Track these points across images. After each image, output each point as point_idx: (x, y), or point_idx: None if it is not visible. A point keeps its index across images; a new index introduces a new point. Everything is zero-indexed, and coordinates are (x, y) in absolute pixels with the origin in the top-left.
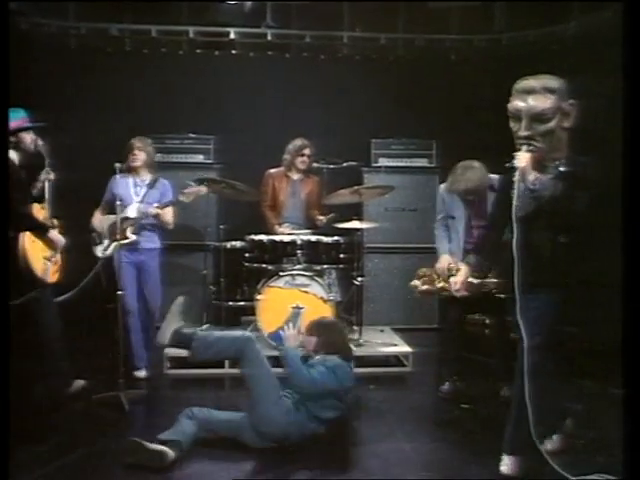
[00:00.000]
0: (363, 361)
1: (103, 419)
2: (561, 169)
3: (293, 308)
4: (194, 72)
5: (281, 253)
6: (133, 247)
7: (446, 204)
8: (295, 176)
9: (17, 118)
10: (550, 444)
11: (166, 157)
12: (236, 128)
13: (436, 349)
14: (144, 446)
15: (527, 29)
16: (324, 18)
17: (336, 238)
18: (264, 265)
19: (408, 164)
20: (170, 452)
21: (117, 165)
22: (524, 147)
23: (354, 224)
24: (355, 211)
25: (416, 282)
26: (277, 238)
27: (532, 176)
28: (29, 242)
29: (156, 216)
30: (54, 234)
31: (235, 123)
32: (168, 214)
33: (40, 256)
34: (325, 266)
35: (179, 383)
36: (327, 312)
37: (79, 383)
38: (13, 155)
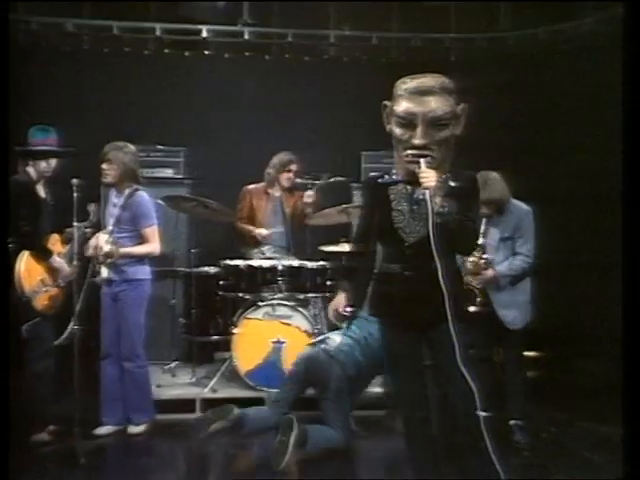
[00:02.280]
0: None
1: (52, 472)
2: (451, 184)
3: (274, 343)
4: (161, 75)
5: (260, 280)
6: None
7: None
8: (277, 193)
9: (45, 137)
10: None
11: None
12: (210, 139)
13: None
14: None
15: (534, 27)
16: (309, 15)
17: (322, 263)
18: (241, 294)
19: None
20: None
21: (74, 181)
22: (423, 160)
23: (342, 247)
24: (343, 232)
25: None
26: (255, 263)
27: (439, 197)
28: (28, 261)
29: (127, 255)
30: (58, 261)
31: (208, 133)
32: (145, 246)
33: (36, 277)
34: (310, 295)
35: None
36: None
37: (48, 430)
38: (31, 170)
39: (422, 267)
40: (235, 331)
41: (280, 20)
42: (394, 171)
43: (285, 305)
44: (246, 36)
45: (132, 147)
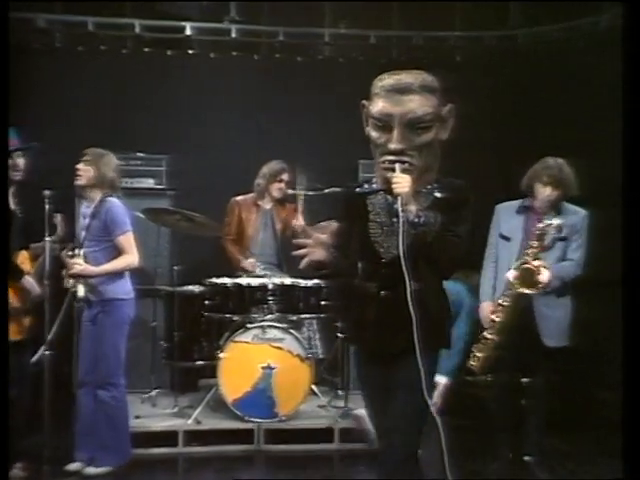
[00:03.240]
0: (350, 436)
1: None
2: (437, 195)
3: (263, 368)
4: (141, 76)
5: (249, 300)
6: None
7: (501, 224)
8: (267, 205)
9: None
10: None
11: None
12: (194, 146)
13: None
14: None
15: (547, 24)
16: (301, 12)
17: (316, 281)
18: (228, 315)
19: None
20: None
21: (46, 193)
22: (398, 165)
23: None
24: None
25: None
26: (244, 282)
27: (414, 206)
28: None
29: (102, 274)
30: (29, 282)
31: (193, 140)
32: (122, 258)
33: None
34: (303, 316)
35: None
36: (305, 373)
37: (17, 466)
38: None
39: (400, 288)
40: (221, 356)
41: (270, 17)
42: (374, 179)
43: (276, 327)
44: (233, 34)
45: (114, 157)
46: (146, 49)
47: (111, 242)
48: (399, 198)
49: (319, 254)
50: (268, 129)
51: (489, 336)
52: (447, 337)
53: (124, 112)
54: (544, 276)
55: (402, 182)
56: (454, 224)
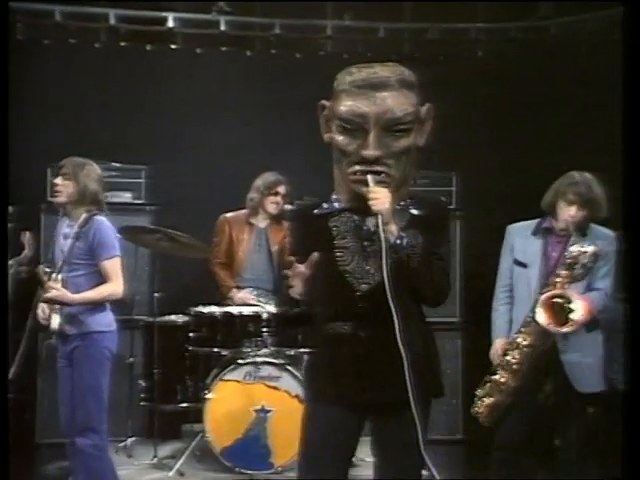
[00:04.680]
0: None
1: None
2: (413, 212)
3: (257, 412)
4: (117, 74)
5: (240, 332)
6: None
7: (515, 248)
8: (262, 223)
9: None
10: None
11: None
12: (178, 155)
13: (471, 472)
14: None
15: (582, 12)
16: (300, 2)
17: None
18: (216, 349)
19: None
20: None
21: (10, 209)
22: (370, 177)
23: None
24: None
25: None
26: (235, 311)
27: (395, 225)
28: None
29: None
30: None
31: (176, 148)
32: (105, 287)
33: None
34: (302, 350)
35: None
36: None
37: None
38: None
39: (382, 325)
40: (208, 397)
41: (265, 7)
42: (334, 196)
43: (271, 363)
44: (222, 27)
45: (96, 167)
46: (122, 43)
47: (95, 267)
48: (378, 217)
49: (298, 289)
50: (263, 136)
51: (501, 379)
52: (440, 382)
53: (96, 116)
54: (578, 312)
55: (380, 197)
56: (436, 246)
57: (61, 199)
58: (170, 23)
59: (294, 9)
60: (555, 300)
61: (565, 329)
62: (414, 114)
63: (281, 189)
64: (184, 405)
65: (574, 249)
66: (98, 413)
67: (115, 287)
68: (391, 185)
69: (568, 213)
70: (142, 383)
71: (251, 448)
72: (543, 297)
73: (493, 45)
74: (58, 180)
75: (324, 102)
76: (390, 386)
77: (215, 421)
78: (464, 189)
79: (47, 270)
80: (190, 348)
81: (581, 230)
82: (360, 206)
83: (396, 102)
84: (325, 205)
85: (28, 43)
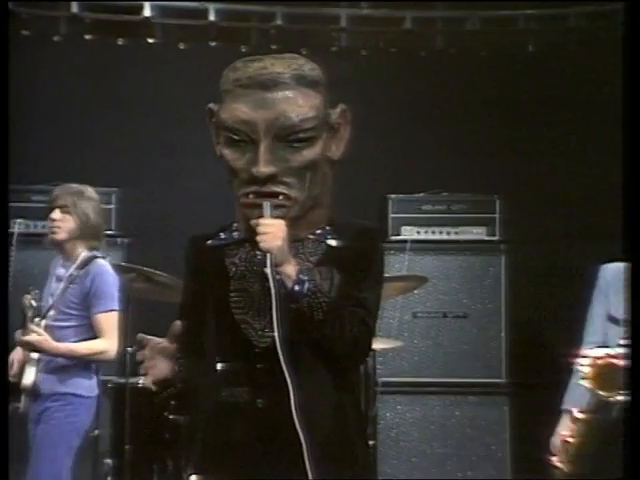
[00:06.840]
0: None
1: None
2: (331, 243)
3: None
4: (81, 74)
5: None
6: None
7: (609, 295)
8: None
9: None
10: None
11: (33, 224)
12: (156, 176)
13: None
14: None
15: None
16: None
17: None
18: None
19: (452, 237)
20: None
21: None
22: (266, 203)
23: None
24: None
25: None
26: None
27: (292, 266)
28: None
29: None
30: None
31: (154, 167)
32: (97, 342)
33: None
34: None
35: None
36: None
37: None
38: None
39: (285, 392)
40: (193, 479)
41: None
42: (235, 225)
43: None
44: (212, 17)
45: (94, 192)
46: (87, 36)
47: (87, 319)
48: (267, 256)
49: (160, 368)
50: None
51: (558, 464)
52: (357, 466)
53: (58, 127)
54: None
55: (271, 230)
56: (358, 288)
57: (61, 236)
58: (147, 12)
59: None
60: None
61: None
62: (319, 119)
63: None
64: None
65: None
66: None
67: (108, 345)
68: (292, 210)
69: None
70: (108, 462)
71: None
72: None
73: (547, 37)
74: (56, 214)
75: (211, 105)
76: (289, 473)
77: None
78: (511, 216)
79: (33, 304)
80: (170, 417)
81: None
82: (254, 238)
83: (292, 104)
84: (222, 235)
85: None
